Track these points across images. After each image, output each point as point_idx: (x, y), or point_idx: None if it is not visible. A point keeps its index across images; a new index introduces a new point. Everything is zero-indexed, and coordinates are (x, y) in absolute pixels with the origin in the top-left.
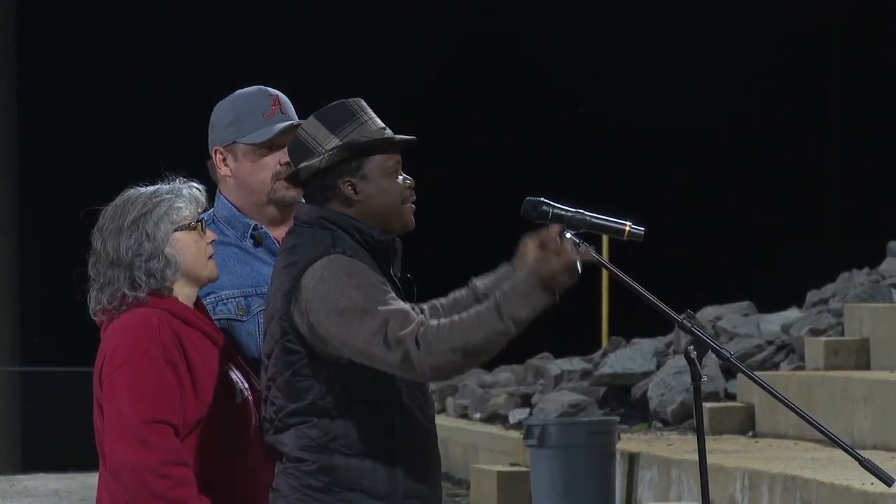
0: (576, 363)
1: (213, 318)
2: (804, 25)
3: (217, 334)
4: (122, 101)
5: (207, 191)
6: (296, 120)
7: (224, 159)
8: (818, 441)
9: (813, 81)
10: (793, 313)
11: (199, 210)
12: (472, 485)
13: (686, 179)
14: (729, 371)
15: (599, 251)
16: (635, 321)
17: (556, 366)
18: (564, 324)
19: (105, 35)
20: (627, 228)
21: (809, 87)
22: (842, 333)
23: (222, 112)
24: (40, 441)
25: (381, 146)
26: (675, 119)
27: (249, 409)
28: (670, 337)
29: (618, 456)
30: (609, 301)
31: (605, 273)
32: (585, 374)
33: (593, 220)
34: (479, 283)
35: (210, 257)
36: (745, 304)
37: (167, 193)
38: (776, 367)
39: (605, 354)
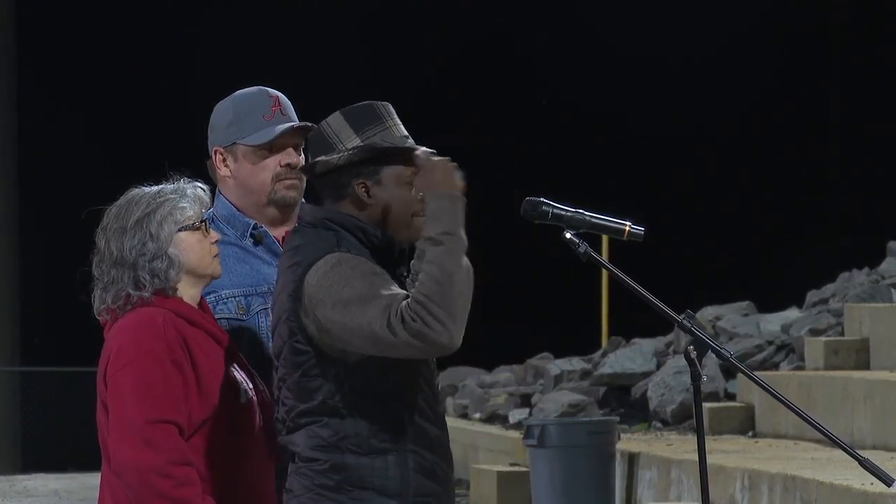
0: (576, 363)
1: (214, 317)
2: (804, 25)
3: (221, 334)
4: (122, 101)
5: (209, 191)
6: (296, 121)
7: (224, 160)
8: (818, 441)
9: (813, 81)
10: (793, 313)
11: (204, 210)
12: (472, 485)
13: (686, 179)
14: (729, 371)
15: (599, 251)
16: (635, 321)
17: (556, 366)
18: (564, 324)
19: (105, 35)
20: (627, 228)
21: (809, 87)
22: (842, 333)
23: (222, 112)
24: (40, 441)
25: (402, 154)
26: (675, 119)
27: (253, 410)
28: (670, 337)
29: (618, 456)
30: (609, 301)
31: (605, 273)
32: (585, 374)
33: (593, 220)
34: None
35: (215, 256)
36: (744, 304)
37: (171, 193)
38: (776, 367)
39: (604, 354)
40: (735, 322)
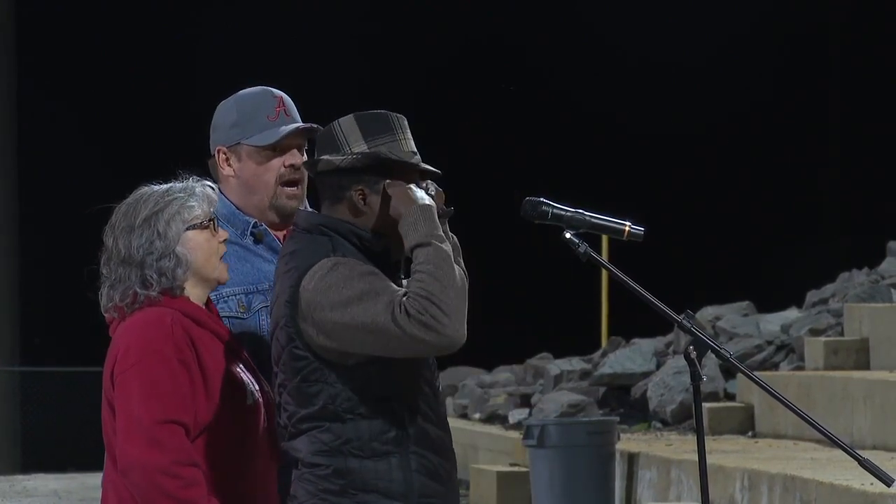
0: (575, 363)
1: None
2: (804, 25)
3: (228, 335)
4: (122, 102)
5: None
6: (300, 122)
7: (227, 159)
8: (818, 441)
9: (813, 81)
10: (792, 313)
11: (212, 209)
12: (472, 485)
13: (686, 179)
14: (728, 371)
15: (599, 251)
16: (635, 321)
17: (556, 366)
18: (564, 324)
19: (105, 35)
20: (627, 228)
21: (809, 87)
22: (841, 333)
23: (225, 112)
24: (40, 441)
25: (404, 169)
26: (675, 119)
27: (260, 411)
28: (670, 337)
29: (617, 456)
30: (609, 301)
31: (604, 273)
32: (585, 375)
33: (593, 220)
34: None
35: (221, 257)
36: (744, 304)
37: (180, 192)
38: (776, 367)
39: (604, 354)
40: (735, 322)
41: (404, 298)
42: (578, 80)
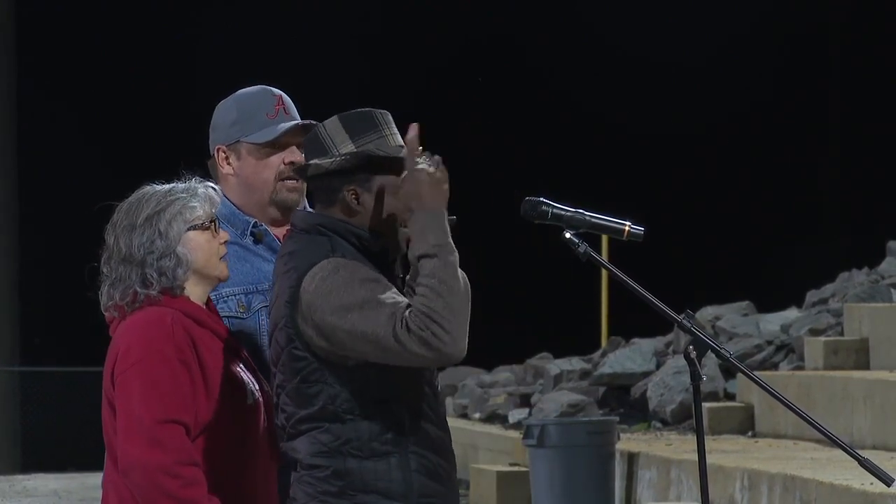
0: (575, 363)
1: None
2: (804, 25)
3: (228, 335)
4: (122, 102)
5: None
6: (299, 120)
7: (227, 158)
8: (817, 441)
9: (813, 81)
10: (792, 313)
11: (214, 210)
12: (472, 485)
13: (686, 179)
14: (728, 371)
15: (599, 251)
16: (635, 321)
17: (556, 366)
18: (564, 324)
19: (105, 35)
20: (627, 228)
21: (809, 87)
22: (841, 333)
23: (225, 111)
24: (40, 441)
25: (394, 165)
26: (675, 119)
27: (260, 410)
28: (670, 337)
29: (617, 456)
30: (608, 301)
31: (604, 273)
32: (585, 374)
33: (593, 219)
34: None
35: (222, 257)
36: (744, 303)
37: (182, 192)
38: (775, 367)
39: (604, 354)
40: (734, 322)
41: (406, 312)
42: (578, 80)
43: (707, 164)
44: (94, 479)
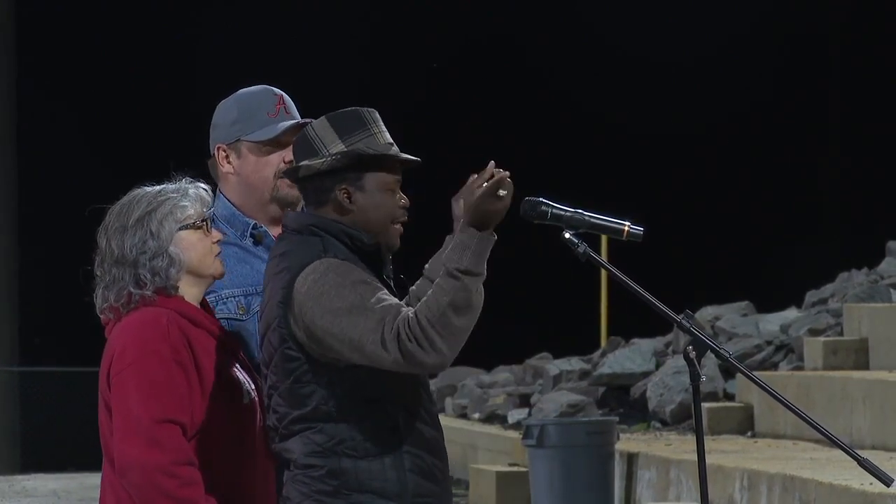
0: (574, 363)
1: None
2: (804, 25)
3: (223, 335)
4: (122, 102)
5: (211, 191)
6: (300, 119)
7: (227, 157)
8: (817, 441)
9: (813, 81)
10: (791, 313)
11: (205, 209)
12: (471, 485)
13: (686, 179)
14: (728, 371)
15: (598, 251)
16: (634, 321)
17: (555, 366)
18: (563, 324)
19: (105, 35)
20: (626, 228)
21: (809, 87)
22: (840, 333)
23: (226, 110)
24: (39, 441)
25: (384, 162)
26: (675, 119)
27: (256, 410)
28: (669, 337)
29: (617, 456)
30: (608, 301)
31: (604, 273)
32: (584, 375)
33: (592, 219)
34: (427, 265)
35: (216, 255)
36: (743, 304)
37: (173, 192)
38: (775, 367)
39: (603, 354)
40: (734, 322)
41: (400, 318)
42: (578, 80)
43: (707, 164)
44: (94, 480)
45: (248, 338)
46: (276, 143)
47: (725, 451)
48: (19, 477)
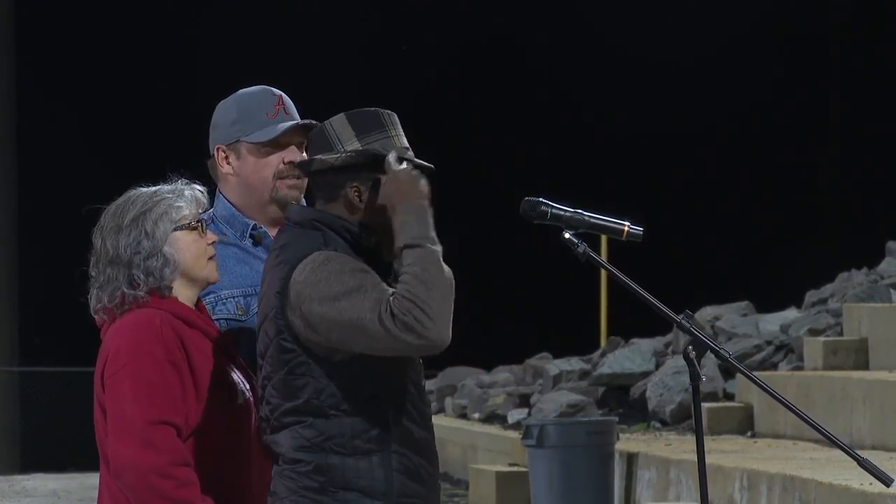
0: (574, 363)
1: (213, 317)
2: (804, 25)
3: (218, 335)
4: (122, 101)
5: (208, 192)
6: (299, 119)
7: (226, 157)
8: (817, 441)
9: (813, 81)
10: (791, 313)
11: (200, 211)
12: (471, 485)
13: (686, 179)
14: (728, 371)
15: (598, 251)
16: (634, 321)
17: (555, 366)
18: (563, 324)
19: (105, 35)
20: (626, 228)
21: (809, 87)
22: (840, 333)
23: (225, 111)
24: (39, 441)
25: None
26: (675, 119)
27: (251, 410)
28: (669, 337)
29: (616, 456)
30: (608, 301)
31: (603, 273)
32: (584, 375)
33: (592, 220)
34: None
35: (210, 258)
36: (743, 304)
37: (168, 193)
38: (775, 367)
39: (603, 354)
40: (734, 322)
41: (391, 298)
42: (578, 80)
43: (707, 164)
44: (94, 480)
45: (246, 338)
46: (275, 145)
47: (725, 451)
48: (19, 477)
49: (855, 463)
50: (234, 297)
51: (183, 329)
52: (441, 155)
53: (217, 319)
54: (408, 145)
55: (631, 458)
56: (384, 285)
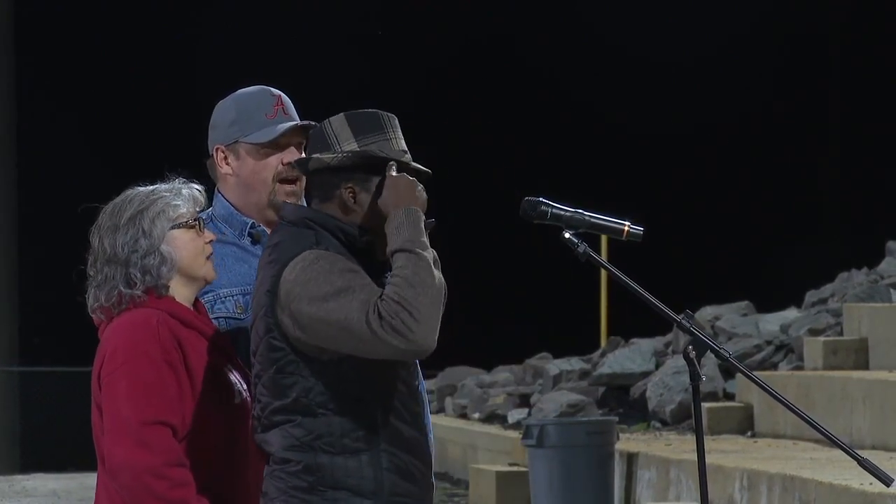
0: (574, 363)
1: (212, 316)
2: (804, 25)
3: (215, 335)
4: (122, 101)
5: (207, 192)
6: (298, 120)
7: (225, 158)
8: (817, 441)
9: (813, 81)
10: (791, 313)
11: (198, 209)
12: (471, 485)
13: (686, 179)
14: (728, 371)
15: (598, 251)
16: (634, 321)
17: (555, 366)
18: (563, 324)
19: (105, 35)
20: (626, 228)
21: (809, 87)
22: (840, 333)
23: (224, 111)
24: (39, 441)
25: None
26: (675, 119)
27: (247, 410)
28: (669, 337)
29: (616, 456)
30: (608, 301)
31: (604, 273)
32: (584, 374)
33: (592, 219)
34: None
35: (208, 257)
36: (743, 303)
37: (166, 192)
38: (775, 367)
39: (603, 354)
40: (734, 322)
41: (378, 301)
42: (578, 80)
43: (707, 164)
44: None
45: (244, 337)
46: (274, 146)
47: (725, 451)
48: (19, 477)
49: (855, 463)
50: (232, 296)
51: (180, 329)
52: (441, 155)
53: (216, 318)
54: (405, 148)
55: (631, 458)
56: (374, 286)
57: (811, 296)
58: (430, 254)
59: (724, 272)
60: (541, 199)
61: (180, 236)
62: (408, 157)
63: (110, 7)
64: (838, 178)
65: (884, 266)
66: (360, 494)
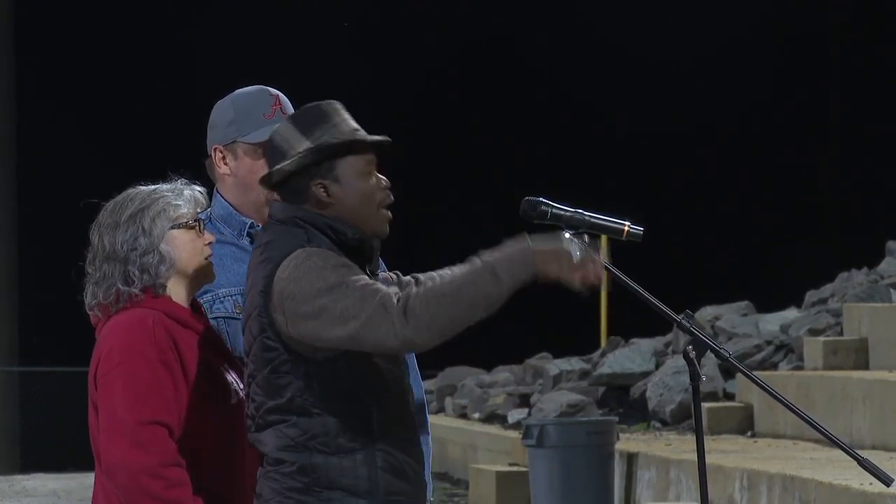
0: (574, 363)
1: (211, 316)
2: (804, 25)
3: (212, 335)
4: (122, 102)
5: (207, 192)
6: None
7: (223, 158)
8: (817, 441)
9: (813, 81)
10: (791, 313)
11: (199, 211)
12: (471, 485)
13: (686, 179)
14: (728, 371)
15: (598, 251)
16: (634, 321)
17: (555, 366)
18: (563, 324)
19: (105, 35)
20: (626, 228)
21: (809, 87)
22: (840, 333)
23: (222, 111)
24: (39, 441)
25: (351, 147)
26: (675, 119)
27: (243, 410)
28: (669, 337)
29: (616, 456)
30: (608, 301)
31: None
32: (584, 374)
33: (592, 219)
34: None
35: (207, 258)
36: (743, 303)
37: (167, 191)
38: (775, 367)
39: (603, 354)
40: (734, 322)
41: (415, 281)
42: (578, 80)
43: (707, 164)
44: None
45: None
46: None
47: (725, 451)
48: (19, 477)
49: (855, 463)
50: (231, 296)
51: (176, 329)
52: (441, 155)
53: (214, 318)
54: (356, 126)
55: (631, 458)
56: (368, 280)
57: (811, 296)
58: (502, 289)
59: (724, 272)
60: (541, 199)
61: (180, 236)
62: (361, 132)
63: (110, 7)
64: (838, 178)
65: (884, 266)
66: (355, 494)
